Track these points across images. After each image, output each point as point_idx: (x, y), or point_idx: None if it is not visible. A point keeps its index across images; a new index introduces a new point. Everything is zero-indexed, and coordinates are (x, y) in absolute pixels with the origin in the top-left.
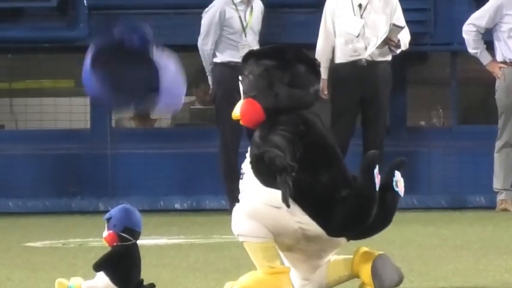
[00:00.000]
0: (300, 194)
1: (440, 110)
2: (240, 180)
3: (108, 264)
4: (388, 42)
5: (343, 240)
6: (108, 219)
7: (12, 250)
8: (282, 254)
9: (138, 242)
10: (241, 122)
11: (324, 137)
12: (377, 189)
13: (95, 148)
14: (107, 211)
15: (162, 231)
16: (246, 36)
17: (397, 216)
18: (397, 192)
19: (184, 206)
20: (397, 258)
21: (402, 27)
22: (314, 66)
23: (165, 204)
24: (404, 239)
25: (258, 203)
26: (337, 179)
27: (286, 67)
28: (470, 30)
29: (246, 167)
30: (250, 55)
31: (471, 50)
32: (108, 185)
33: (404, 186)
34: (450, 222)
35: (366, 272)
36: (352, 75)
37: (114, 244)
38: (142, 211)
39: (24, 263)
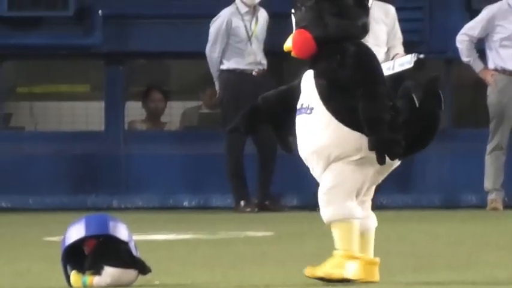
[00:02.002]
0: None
1: None
2: (303, 115)
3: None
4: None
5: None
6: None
7: (31, 244)
8: None
9: (149, 237)
10: (292, 53)
11: (381, 69)
12: (442, 108)
13: (109, 149)
14: (120, 208)
15: (172, 227)
16: (251, 45)
17: (393, 214)
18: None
19: (192, 203)
20: (392, 254)
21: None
22: (362, 0)
23: (175, 201)
24: (400, 235)
25: (337, 175)
26: (395, 107)
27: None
28: (463, 39)
29: (314, 102)
30: None
31: (464, 59)
32: (121, 184)
33: (400, 186)
34: (443, 220)
35: None
36: None
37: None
38: (152, 208)
39: (43, 256)
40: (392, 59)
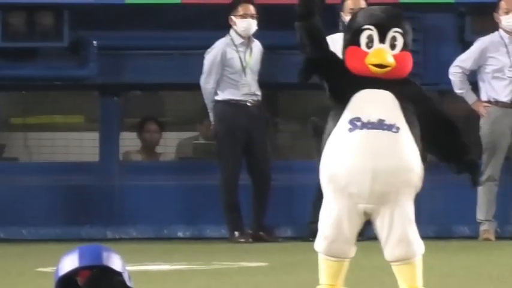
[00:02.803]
0: None
1: None
2: (387, 132)
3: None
4: None
5: None
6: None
7: (25, 275)
8: None
9: (143, 268)
10: (388, 69)
11: None
12: None
13: (104, 180)
14: (115, 239)
15: (166, 258)
16: (245, 76)
17: None
18: None
19: (186, 234)
20: (387, 286)
21: None
22: None
23: (169, 232)
24: None
25: None
26: None
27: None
28: (456, 72)
29: (400, 122)
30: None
31: (457, 90)
32: (115, 214)
33: None
34: (437, 251)
35: None
36: None
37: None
38: (147, 239)
39: (37, 287)
40: None
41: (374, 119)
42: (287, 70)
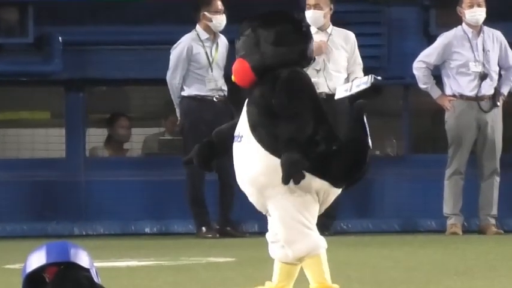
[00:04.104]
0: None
1: (394, 140)
2: (235, 143)
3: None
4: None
5: (339, 190)
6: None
7: None
8: None
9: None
10: (234, 80)
11: (316, 96)
12: (368, 133)
13: (70, 176)
14: (81, 235)
15: (133, 253)
16: (212, 71)
17: (353, 239)
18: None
19: (153, 230)
20: (353, 280)
21: (380, 79)
22: (300, 26)
23: (136, 228)
24: (360, 261)
25: (285, 216)
26: (328, 135)
27: (271, 26)
28: (420, 66)
29: (244, 130)
30: (244, 19)
31: (422, 85)
32: (82, 211)
33: (360, 211)
34: (403, 244)
35: None
36: None
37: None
38: (114, 235)
39: (3, 284)
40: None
41: (235, 132)
42: None
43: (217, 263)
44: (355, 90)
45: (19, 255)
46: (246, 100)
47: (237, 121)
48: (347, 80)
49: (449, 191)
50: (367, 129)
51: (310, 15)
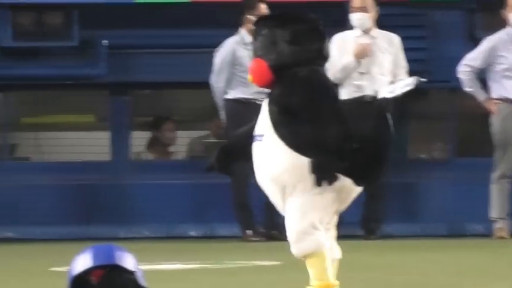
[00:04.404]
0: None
1: (440, 144)
2: (256, 142)
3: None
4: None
5: (360, 188)
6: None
7: (38, 274)
8: None
9: (156, 267)
10: (251, 81)
11: (335, 94)
12: (392, 130)
13: (115, 179)
14: (127, 238)
15: (178, 257)
16: None
17: (400, 243)
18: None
19: (198, 233)
20: (399, 284)
21: (424, 81)
22: (316, 25)
23: (181, 231)
24: (406, 265)
25: (304, 212)
26: (347, 133)
27: (287, 26)
28: (465, 70)
29: (265, 129)
30: (260, 19)
31: (467, 89)
32: (127, 214)
33: (406, 215)
34: (449, 249)
35: None
36: (357, 111)
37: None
38: (159, 238)
39: (50, 287)
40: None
41: (255, 132)
42: None
43: (262, 267)
44: (399, 91)
45: (65, 258)
46: (266, 100)
47: (255, 123)
48: (391, 83)
49: (496, 195)
50: (391, 126)
51: (357, 17)
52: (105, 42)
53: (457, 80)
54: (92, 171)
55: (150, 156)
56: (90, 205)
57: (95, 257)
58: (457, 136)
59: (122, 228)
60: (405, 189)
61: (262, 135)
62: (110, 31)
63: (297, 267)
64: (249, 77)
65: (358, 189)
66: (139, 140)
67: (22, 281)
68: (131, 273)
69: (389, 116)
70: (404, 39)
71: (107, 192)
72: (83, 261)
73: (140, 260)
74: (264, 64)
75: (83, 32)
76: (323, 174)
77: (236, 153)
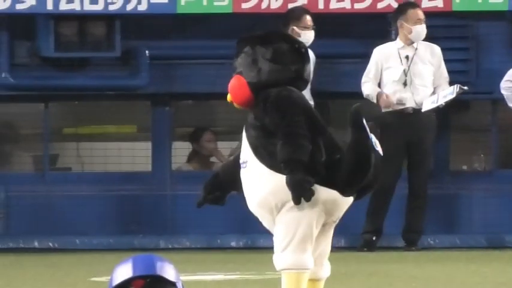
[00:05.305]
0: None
1: (482, 155)
2: (242, 170)
3: None
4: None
5: (351, 199)
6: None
7: (78, 284)
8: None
9: (197, 277)
10: (229, 99)
11: (310, 108)
12: (369, 136)
13: (156, 189)
14: (167, 248)
15: (219, 267)
16: None
17: (440, 254)
18: (377, 152)
19: (239, 244)
20: None
21: (466, 89)
22: (297, 46)
23: (222, 242)
24: (448, 276)
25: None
26: (329, 145)
27: (268, 44)
28: (508, 86)
29: (247, 155)
30: (241, 38)
31: (511, 104)
32: (168, 224)
33: (447, 227)
34: (490, 260)
35: None
36: (399, 123)
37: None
38: (200, 248)
39: None
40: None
41: (241, 160)
42: (339, 79)
43: None
44: (442, 101)
45: (106, 268)
46: (244, 126)
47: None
48: (433, 94)
49: None
50: (368, 132)
51: (422, 29)
52: (147, 52)
53: (499, 91)
54: (133, 182)
55: (189, 168)
56: (130, 215)
57: (136, 267)
58: (499, 148)
59: (163, 238)
60: (446, 201)
61: (246, 162)
62: (152, 41)
63: (337, 278)
64: (228, 96)
65: (348, 200)
66: (180, 150)
67: None
68: (172, 284)
69: (365, 123)
70: (447, 50)
71: (147, 202)
72: (123, 272)
73: (181, 270)
74: (243, 80)
75: (124, 43)
76: (298, 192)
77: (226, 183)
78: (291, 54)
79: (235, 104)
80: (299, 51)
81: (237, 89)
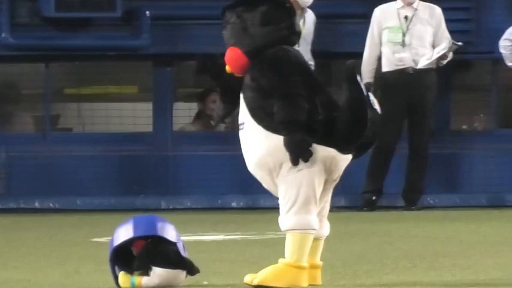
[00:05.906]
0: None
1: (482, 115)
2: (240, 132)
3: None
4: (442, 57)
5: (349, 156)
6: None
7: (79, 245)
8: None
9: (198, 238)
10: (229, 70)
11: (307, 67)
12: (364, 92)
13: (157, 150)
14: (169, 209)
15: (220, 228)
16: (299, 46)
17: (441, 213)
18: (375, 110)
19: (240, 204)
20: (440, 254)
21: (460, 45)
22: (282, 2)
23: (223, 202)
24: (447, 235)
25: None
26: (327, 104)
27: (253, 8)
28: (506, 45)
29: (244, 117)
30: (223, 9)
31: (509, 63)
32: (169, 185)
33: (447, 186)
34: (490, 219)
35: None
36: (399, 83)
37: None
38: (201, 209)
39: (91, 257)
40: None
41: (239, 122)
42: (340, 39)
43: None
44: (435, 56)
45: (107, 229)
46: (242, 89)
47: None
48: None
49: None
50: (362, 88)
51: None
52: (148, 12)
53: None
54: (134, 143)
55: (194, 128)
56: (132, 176)
57: (136, 228)
58: (500, 107)
59: (164, 199)
60: (447, 160)
61: (243, 123)
62: (154, 1)
63: (338, 238)
64: (226, 67)
65: (347, 157)
66: (181, 111)
67: (63, 252)
68: (173, 244)
69: (359, 78)
70: (448, 10)
71: (149, 163)
72: (124, 232)
73: (182, 231)
74: (238, 51)
75: (126, 3)
76: (297, 152)
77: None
78: (278, 12)
79: (236, 74)
80: (284, 7)
81: (233, 60)
